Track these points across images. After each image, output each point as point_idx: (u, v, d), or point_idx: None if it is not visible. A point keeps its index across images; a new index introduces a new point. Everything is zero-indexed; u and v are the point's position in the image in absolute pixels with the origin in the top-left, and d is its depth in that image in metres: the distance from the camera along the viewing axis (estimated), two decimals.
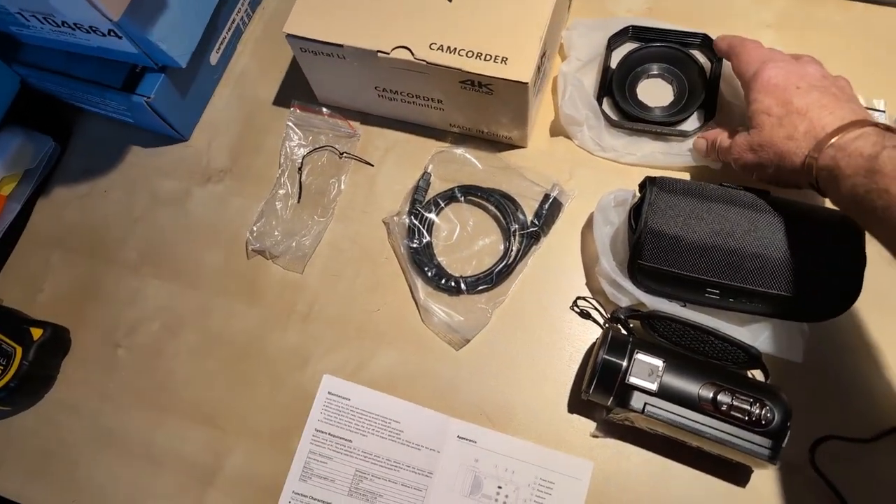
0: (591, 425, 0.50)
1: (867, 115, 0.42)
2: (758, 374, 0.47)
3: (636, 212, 0.47)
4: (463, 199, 0.57)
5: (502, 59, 0.49)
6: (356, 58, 0.52)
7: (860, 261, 0.43)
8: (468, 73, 0.49)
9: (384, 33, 0.50)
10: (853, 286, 0.43)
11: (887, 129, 0.40)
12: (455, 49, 0.49)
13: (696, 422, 0.43)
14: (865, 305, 0.49)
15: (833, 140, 0.40)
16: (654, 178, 0.48)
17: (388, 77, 0.54)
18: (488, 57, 0.49)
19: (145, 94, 0.55)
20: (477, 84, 0.50)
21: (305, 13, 0.52)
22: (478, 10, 0.51)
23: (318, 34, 0.51)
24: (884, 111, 0.54)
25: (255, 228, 0.58)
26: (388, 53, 0.50)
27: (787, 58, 0.47)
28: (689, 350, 0.48)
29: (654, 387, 0.44)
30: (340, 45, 0.51)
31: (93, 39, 0.51)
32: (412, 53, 0.50)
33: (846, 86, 0.46)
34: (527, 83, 0.48)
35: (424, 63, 0.50)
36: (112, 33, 0.49)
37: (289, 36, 0.52)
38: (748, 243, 0.44)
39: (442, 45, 0.50)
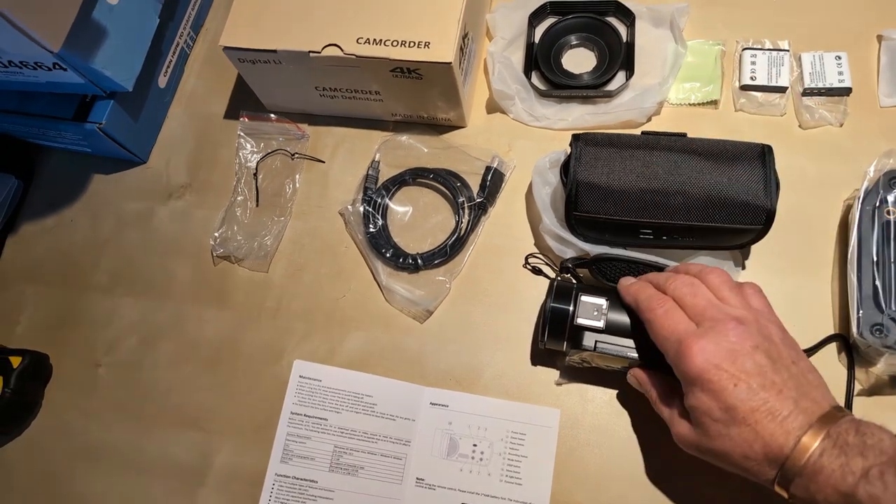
0: (554, 374, 0.53)
1: (813, 401, 0.38)
2: None
3: (565, 167, 0.51)
4: (412, 181, 0.61)
5: (425, 44, 0.53)
6: (291, 61, 0.56)
7: (773, 185, 0.47)
8: (395, 60, 0.53)
9: (314, 34, 0.55)
10: (769, 209, 0.47)
11: (833, 418, 0.37)
12: (381, 40, 0.54)
13: (644, 349, 0.47)
14: (787, 229, 0.54)
15: (799, 465, 0.36)
16: (579, 134, 0.52)
17: (325, 76, 0.58)
18: (412, 44, 0.53)
19: (97, 121, 0.59)
20: (406, 70, 0.54)
21: (239, 26, 0.56)
22: (398, 3, 0.55)
23: (251, 43, 0.55)
24: (788, 50, 0.58)
25: (217, 235, 0.61)
26: (319, 52, 0.54)
27: (707, 325, 0.40)
28: None
29: (601, 324, 0.48)
30: (274, 51, 0.55)
31: (41, 75, 0.55)
32: (341, 49, 0.54)
33: (782, 351, 0.40)
34: (450, 63, 0.52)
35: (354, 57, 0.54)
36: (57, 66, 0.53)
37: (225, 48, 0.56)
38: (671, 182, 0.48)
39: (369, 39, 0.54)
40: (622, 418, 0.52)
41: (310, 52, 0.54)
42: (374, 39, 0.54)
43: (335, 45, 0.54)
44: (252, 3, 0.57)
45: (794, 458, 0.36)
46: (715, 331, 0.40)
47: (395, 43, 0.53)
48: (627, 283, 0.47)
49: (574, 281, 0.54)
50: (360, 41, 0.54)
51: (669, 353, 0.41)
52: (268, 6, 0.57)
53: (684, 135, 0.51)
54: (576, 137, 0.52)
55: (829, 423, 0.37)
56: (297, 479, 0.52)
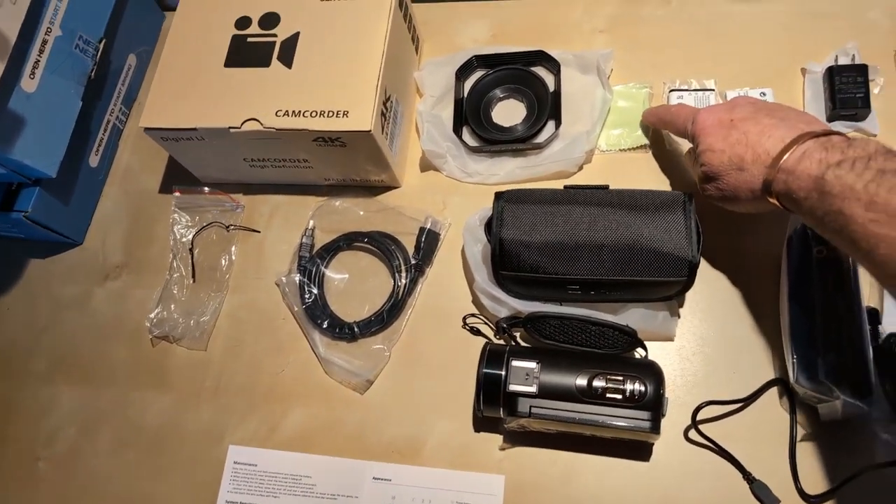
0: (498, 439, 0.54)
1: (806, 126, 0.44)
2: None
3: (489, 226, 0.53)
4: (346, 246, 0.62)
5: (344, 113, 0.55)
6: (213, 137, 0.58)
7: (694, 235, 0.49)
8: (315, 131, 0.55)
9: (234, 109, 0.56)
10: (692, 261, 0.48)
11: (826, 134, 0.42)
12: (300, 112, 0.56)
13: (578, 412, 0.48)
14: (723, 271, 0.55)
15: (780, 163, 0.42)
16: (501, 192, 0.53)
17: (250, 148, 0.59)
18: (331, 113, 0.55)
19: (23, 210, 0.60)
20: (328, 139, 0.56)
21: (159, 105, 0.58)
22: (316, 73, 0.57)
23: (172, 122, 0.57)
24: (714, 89, 0.60)
25: (152, 317, 0.62)
26: (239, 128, 0.56)
27: (715, 104, 0.52)
28: (575, 344, 0.52)
29: (533, 389, 0.48)
30: (195, 129, 0.57)
31: None
32: (261, 124, 0.56)
33: (777, 106, 0.48)
34: (369, 131, 0.54)
35: (274, 130, 0.56)
36: None
37: (146, 129, 0.58)
38: (592, 237, 0.50)
39: (288, 111, 0.56)
40: (567, 478, 0.52)
41: (230, 127, 0.56)
42: (293, 111, 0.56)
43: (255, 119, 0.56)
44: (171, 82, 0.59)
45: (776, 157, 0.43)
46: (723, 103, 0.51)
47: (313, 114, 0.55)
48: (650, 111, 0.60)
49: (513, 341, 0.55)
50: (279, 114, 0.56)
51: (686, 126, 0.51)
52: (187, 84, 0.59)
53: (606, 187, 0.52)
54: (497, 196, 0.53)
55: (820, 135, 0.42)
56: None
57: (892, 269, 0.36)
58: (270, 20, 0.59)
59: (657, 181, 0.59)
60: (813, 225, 0.42)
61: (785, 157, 0.42)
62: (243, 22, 0.60)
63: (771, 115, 0.47)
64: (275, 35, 0.59)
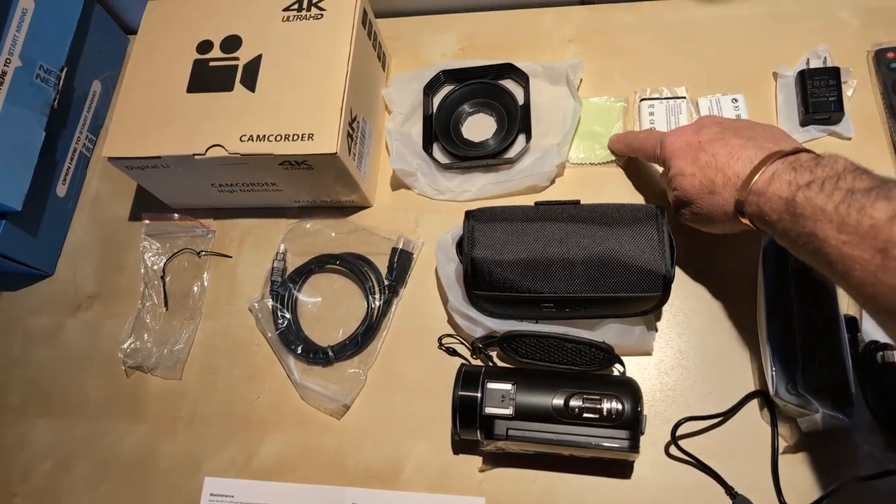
0: (477, 460, 0.53)
1: (774, 144, 0.44)
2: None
3: (460, 245, 0.52)
4: (318, 269, 0.61)
5: (309, 136, 0.54)
6: (178, 164, 0.57)
7: (668, 248, 0.48)
8: (280, 156, 0.54)
9: (197, 136, 0.56)
10: (666, 275, 0.48)
11: (794, 152, 0.42)
12: (264, 136, 0.55)
13: (555, 433, 0.47)
14: (702, 283, 0.55)
15: (751, 186, 0.42)
16: (472, 211, 0.52)
17: (217, 174, 0.58)
18: (296, 137, 0.54)
19: None
20: (295, 163, 0.55)
21: (122, 133, 0.57)
22: (280, 96, 0.56)
23: (135, 152, 0.56)
24: (685, 97, 0.60)
25: (124, 347, 0.61)
26: (203, 154, 0.55)
27: (682, 126, 0.51)
28: (552, 362, 0.51)
29: (510, 411, 0.48)
30: (159, 157, 0.56)
31: None
32: (226, 149, 0.55)
33: (744, 123, 0.48)
34: (335, 153, 0.53)
35: (239, 156, 0.55)
36: None
37: (110, 159, 0.57)
38: (564, 253, 0.49)
39: (252, 136, 0.55)
40: (550, 499, 0.51)
41: (194, 154, 0.55)
42: (258, 136, 0.55)
43: (219, 145, 0.55)
44: (133, 109, 0.58)
45: (746, 180, 0.42)
46: (690, 125, 0.50)
47: (278, 137, 0.54)
48: (616, 138, 0.59)
49: (489, 362, 0.54)
50: (243, 139, 0.55)
51: (654, 150, 0.51)
52: (150, 111, 0.58)
53: (578, 202, 0.52)
54: (468, 215, 0.52)
55: (788, 154, 0.42)
56: None
57: (868, 291, 0.35)
58: (232, 43, 0.59)
59: (630, 193, 0.59)
60: (788, 246, 0.41)
61: (755, 179, 0.42)
62: (205, 46, 0.59)
63: (738, 134, 0.46)
64: (237, 58, 0.58)
